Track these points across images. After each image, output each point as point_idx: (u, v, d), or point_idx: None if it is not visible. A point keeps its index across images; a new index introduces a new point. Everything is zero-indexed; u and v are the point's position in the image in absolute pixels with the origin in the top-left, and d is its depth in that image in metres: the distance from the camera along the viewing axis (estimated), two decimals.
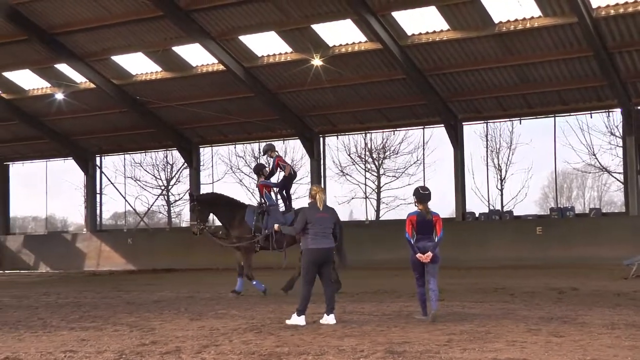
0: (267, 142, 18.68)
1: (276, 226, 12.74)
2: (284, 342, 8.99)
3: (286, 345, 8.71)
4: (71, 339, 9.60)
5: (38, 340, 9.57)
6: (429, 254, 10.87)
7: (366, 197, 32.29)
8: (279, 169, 17.31)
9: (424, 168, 30.74)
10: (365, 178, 32.45)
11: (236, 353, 8.18)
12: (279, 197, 17.36)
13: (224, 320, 11.40)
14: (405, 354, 7.86)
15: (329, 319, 10.80)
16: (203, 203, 17.19)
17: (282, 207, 17.23)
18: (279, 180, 17.35)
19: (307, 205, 11.38)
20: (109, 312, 13.15)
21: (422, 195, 11.12)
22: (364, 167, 32.44)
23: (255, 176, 18.75)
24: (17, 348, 8.79)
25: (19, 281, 26.02)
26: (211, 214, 18.33)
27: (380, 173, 32.68)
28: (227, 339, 9.38)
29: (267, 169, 17.45)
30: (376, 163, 32.72)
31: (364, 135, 31.92)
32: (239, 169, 34.34)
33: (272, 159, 17.58)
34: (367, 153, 32.44)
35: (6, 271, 34.71)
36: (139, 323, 11.20)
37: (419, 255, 10.94)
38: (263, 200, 17.06)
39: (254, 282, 16.61)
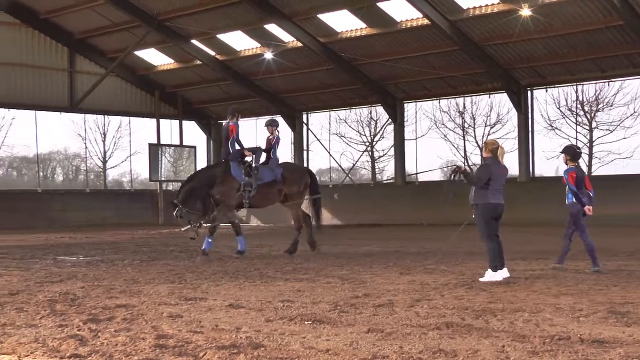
0: (272, 118, 17.14)
1: (463, 166, 11.93)
2: (497, 298, 8.83)
3: (499, 301, 8.55)
4: (287, 289, 9.95)
5: (257, 289, 10.00)
6: (591, 207, 11.60)
7: None
8: (276, 145, 16.15)
9: None
10: (576, 132, 31.04)
11: (449, 308, 8.13)
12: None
13: (434, 275, 11.38)
14: (629, 314, 7.46)
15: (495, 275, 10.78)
16: (186, 198, 14.99)
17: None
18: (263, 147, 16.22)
19: (487, 161, 11.11)
20: (320, 264, 13.50)
21: (579, 153, 12.11)
22: (574, 121, 31.04)
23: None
24: (238, 296, 9.24)
25: (233, 233, 27.31)
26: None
27: (593, 126, 31.14)
28: (439, 293, 9.34)
29: (239, 117, 15.81)
30: (588, 116, 31.21)
31: (575, 87, 30.47)
32: (443, 124, 34.02)
33: (274, 136, 16.14)
34: (579, 106, 31.00)
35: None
36: (350, 276, 11.42)
37: (586, 207, 11.51)
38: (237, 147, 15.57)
39: (210, 239, 15.10)
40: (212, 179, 15.34)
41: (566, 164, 11.85)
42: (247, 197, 15.41)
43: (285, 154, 38.92)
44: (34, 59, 34.09)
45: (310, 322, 7.31)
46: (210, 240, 15.11)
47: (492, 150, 11.02)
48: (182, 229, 15.24)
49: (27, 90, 33.85)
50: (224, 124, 15.99)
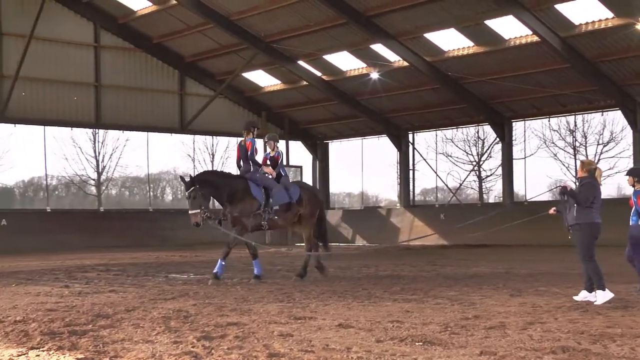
0: (273, 133, 16.20)
1: (568, 184, 11.53)
2: (615, 322, 8.52)
3: (617, 326, 8.25)
4: (396, 309, 9.88)
5: (365, 309, 9.97)
6: None
7: None
8: (278, 162, 15.37)
9: None
10: None
11: (564, 331, 7.89)
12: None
13: (546, 298, 11.09)
14: None
15: (589, 296, 10.62)
16: (204, 184, 14.39)
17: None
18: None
19: (588, 180, 10.83)
20: (428, 285, 13.37)
21: None
22: None
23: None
24: (347, 316, 9.22)
25: (339, 253, 27.40)
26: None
27: None
28: (552, 316, 9.10)
29: (255, 132, 15.02)
30: None
31: None
32: (553, 142, 33.28)
33: (275, 152, 15.47)
34: None
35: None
36: (459, 297, 11.26)
37: None
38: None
39: (222, 263, 14.32)
40: (234, 190, 14.62)
41: (633, 186, 11.48)
42: (266, 219, 14.77)
43: (391, 173, 39.03)
44: (146, 82, 35.28)
45: (421, 343, 7.23)
46: (223, 263, 14.38)
47: (589, 171, 10.90)
48: (190, 212, 14.29)
49: (140, 113, 35.03)
50: (239, 141, 15.38)
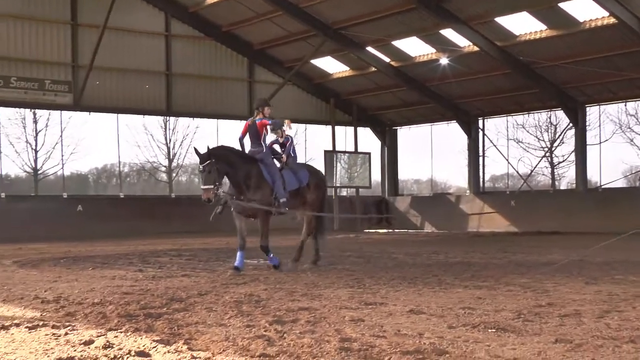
0: (275, 121, 14.85)
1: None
2: None
3: None
4: (467, 296, 9.78)
5: (436, 295, 9.90)
6: None
7: None
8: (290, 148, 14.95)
9: None
10: None
11: None
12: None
13: (623, 286, 10.84)
14: None
15: None
16: (221, 160, 13.45)
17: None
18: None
19: None
20: (499, 272, 13.20)
21: None
22: None
23: None
24: (418, 302, 9.18)
25: (408, 240, 27.31)
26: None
27: None
28: (630, 305, 8.88)
29: (266, 112, 14.43)
30: None
31: None
32: (629, 127, 32.52)
33: (284, 138, 14.99)
34: None
35: (396, 230, 36.65)
36: (532, 284, 11.09)
37: None
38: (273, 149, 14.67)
39: (270, 255, 14.10)
40: (249, 174, 13.93)
41: None
42: (275, 204, 14.08)
43: (460, 160, 38.64)
44: (216, 70, 35.60)
45: (494, 330, 7.15)
46: (271, 255, 14.22)
47: None
48: (203, 186, 13.45)
49: (209, 100, 35.37)
50: (249, 120, 14.61)
